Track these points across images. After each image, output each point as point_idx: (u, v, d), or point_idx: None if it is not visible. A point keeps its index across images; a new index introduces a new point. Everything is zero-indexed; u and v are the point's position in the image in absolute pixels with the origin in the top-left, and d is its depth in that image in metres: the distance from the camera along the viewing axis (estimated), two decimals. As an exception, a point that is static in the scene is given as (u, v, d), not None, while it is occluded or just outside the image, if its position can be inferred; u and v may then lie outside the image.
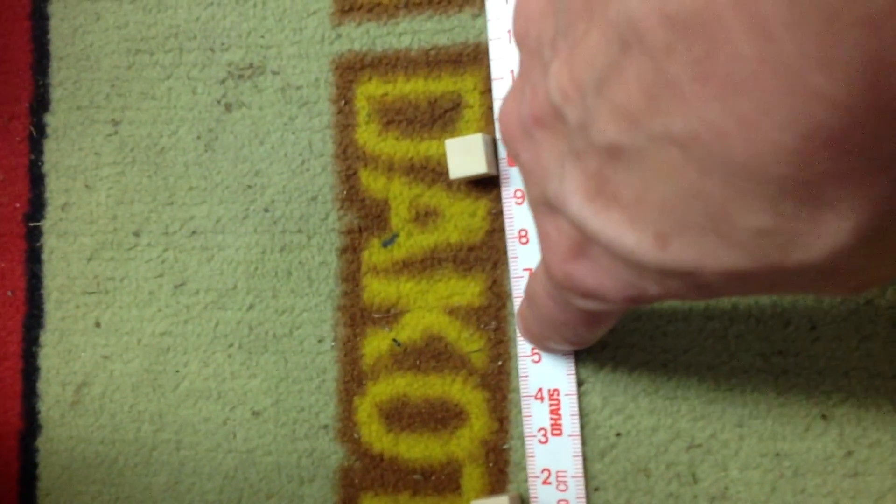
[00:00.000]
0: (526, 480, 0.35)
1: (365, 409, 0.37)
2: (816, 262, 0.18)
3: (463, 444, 0.36)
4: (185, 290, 0.39)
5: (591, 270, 0.22)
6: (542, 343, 0.31)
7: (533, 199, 0.24)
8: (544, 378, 0.34)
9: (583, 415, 0.34)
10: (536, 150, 0.23)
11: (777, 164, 0.16)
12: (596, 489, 0.34)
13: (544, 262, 0.24)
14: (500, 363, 0.35)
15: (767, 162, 0.16)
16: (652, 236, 0.19)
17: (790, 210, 0.17)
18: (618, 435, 0.34)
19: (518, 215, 0.35)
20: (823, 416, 0.32)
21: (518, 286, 0.35)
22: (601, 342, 0.34)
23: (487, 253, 0.36)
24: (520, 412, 0.35)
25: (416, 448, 0.36)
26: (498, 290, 0.35)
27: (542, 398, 0.34)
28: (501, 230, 0.35)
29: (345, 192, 0.37)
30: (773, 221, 0.17)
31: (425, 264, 0.36)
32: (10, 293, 0.41)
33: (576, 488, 0.34)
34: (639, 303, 0.23)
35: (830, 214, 0.17)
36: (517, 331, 0.35)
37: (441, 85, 0.36)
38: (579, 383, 0.34)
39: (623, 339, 0.34)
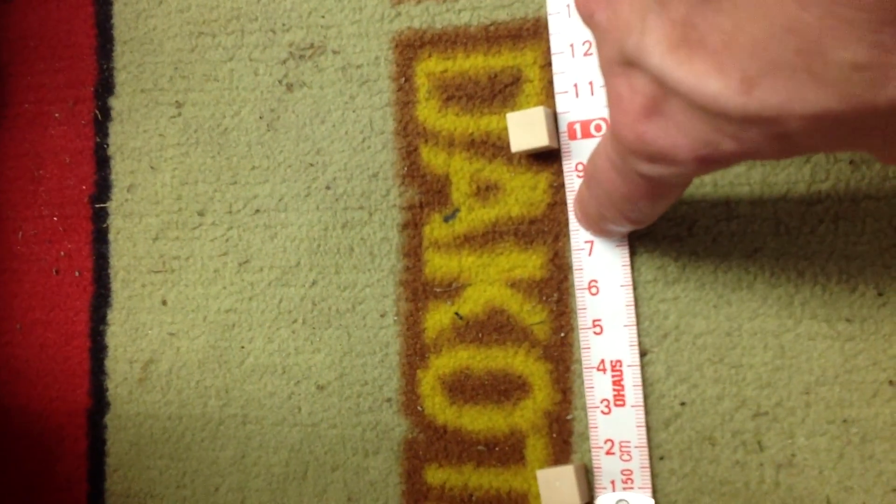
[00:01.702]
0: (590, 451, 0.35)
1: (428, 381, 0.37)
2: None
3: (526, 415, 0.36)
4: (250, 267, 0.40)
5: (664, 129, 0.22)
6: (600, 225, 0.31)
7: (607, 60, 0.24)
8: (606, 349, 0.35)
9: (647, 384, 0.34)
10: (615, 6, 0.23)
11: None
12: (661, 458, 0.34)
13: (614, 128, 0.24)
14: (562, 335, 0.36)
15: None
16: (738, 81, 0.20)
17: (888, 40, 0.17)
18: (682, 404, 0.34)
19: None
20: (891, 382, 0.32)
21: (578, 258, 0.35)
22: (665, 312, 0.34)
23: (549, 226, 0.36)
24: (583, 383, 0.35)
25: (480, 420, 0.37)
26: (559, 263, 0.36)
27: (604, 369, 0.35)
28: (563, 203, 0.36)
29: (406, 169, 0.38)
30: (869, 54, 0.18)
31: (487, 238, 0.37)
32: (77, 273, 0.42)
33: (639, 458, 0.34)
34: (709, 165, 0.23)
35: None
36: (573, 217, 0.35)
37: (501, 60, 0.36)
38: (643, 353, 0.34)
39: (687, 308, 0.34)
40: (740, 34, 0.19)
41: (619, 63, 0.23)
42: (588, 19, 0.25)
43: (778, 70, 0.19)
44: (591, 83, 0.34)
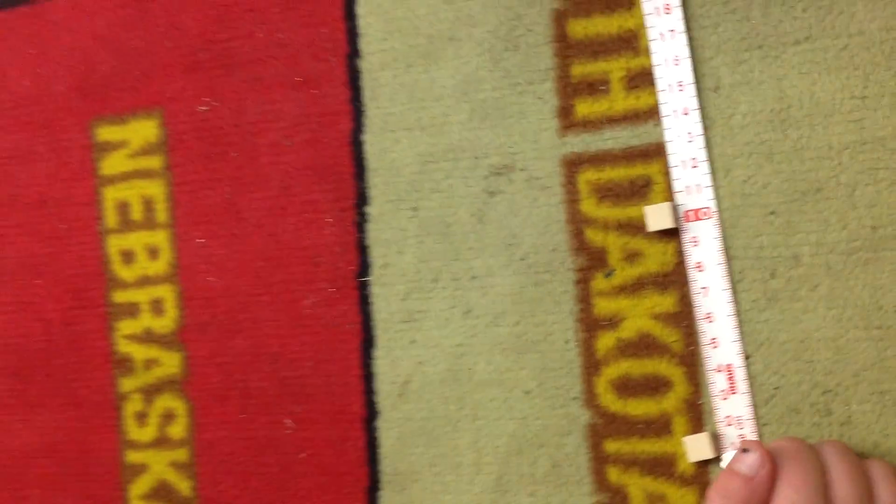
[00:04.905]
0: (716, 423, 0.54)
1: (601, 384, 0.56)
2: None
3: (671, 402, 0.55)
4: (471, 315, 0.59)
5: None
6: None
7: None
8: (721, 357, 0.53)
9: (751, 377, 0.53)
10: None
11: None
12: (764, 425, 0.53)
13: None
14: (691, 348, 0.54)
15: None
16: None
17: None
18: (775, 388, 0.52)
19: (695, 253, 0.54)
20: (911, 367, 0.50)
21: (698, 299, 0.54)
22: (759, 329, 0.53)
23: (677, 277, 0.55)
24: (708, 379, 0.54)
25: (640, 407, 0.55)
26: (687, 301, 0.54)
27: (720, 370, 0.53)
28: (684, 262, 0.54)
29: (576, 245, 0.57)
30: None
31: (636, 287, 0.56)
32: (349, 325, 0.63)
33: (750, 426, 0.52)
34: None
35: None
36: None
37: (636, 171, 0.55)
38: (747, 357, 0.53)
39: (774, 326, 0.52)
40: None
41: None
42: None
43: None
44: (698, 185, 0.53)
